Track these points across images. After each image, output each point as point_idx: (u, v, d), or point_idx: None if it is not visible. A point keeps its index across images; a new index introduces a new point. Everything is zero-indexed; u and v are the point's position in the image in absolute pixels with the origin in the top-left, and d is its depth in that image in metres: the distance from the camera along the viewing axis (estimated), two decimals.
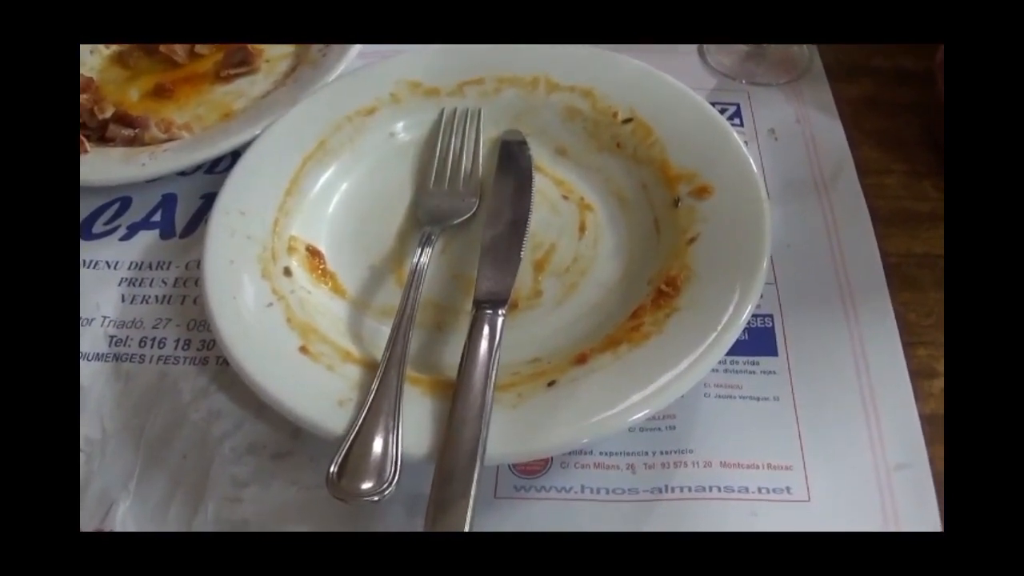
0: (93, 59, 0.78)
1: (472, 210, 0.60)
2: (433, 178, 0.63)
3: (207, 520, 0.49)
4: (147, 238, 0.64)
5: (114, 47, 0.79)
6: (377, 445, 0.44)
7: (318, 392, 0.48)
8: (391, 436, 0.45)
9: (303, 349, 0.51)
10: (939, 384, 0.52)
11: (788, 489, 0.48)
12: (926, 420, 0.50)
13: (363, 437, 0.45)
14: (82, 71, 0.75)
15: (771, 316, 0.56)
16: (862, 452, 0.49)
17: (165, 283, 0.61)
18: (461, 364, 0.48)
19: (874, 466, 0.48)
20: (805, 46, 0.74)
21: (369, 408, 0.46)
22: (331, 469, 0.44)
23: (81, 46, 0.77)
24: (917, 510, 0.47)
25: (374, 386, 0.47)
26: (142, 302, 0.60)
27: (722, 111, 0.67)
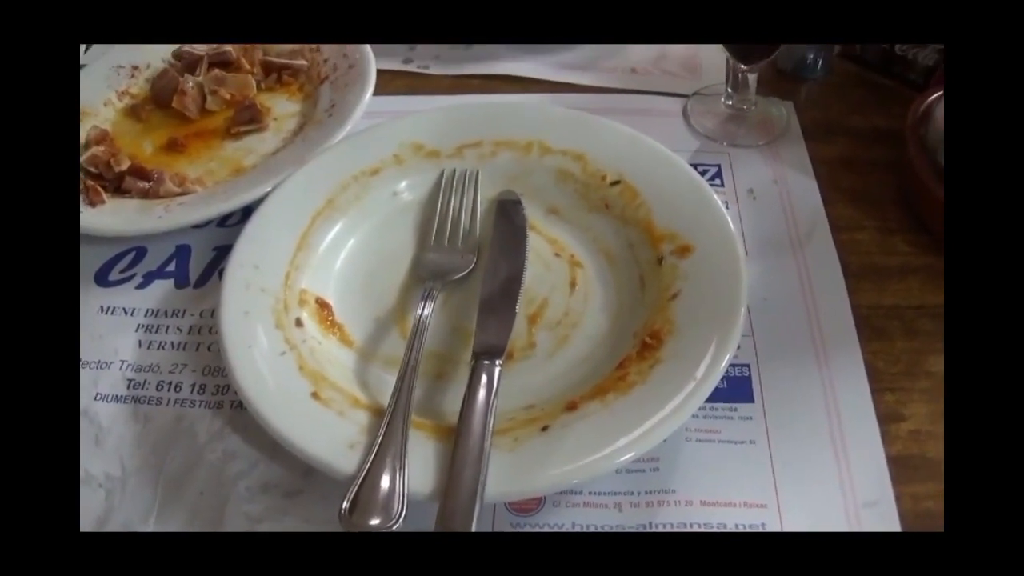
0: (107, 111, 0.80)
1: (470, 266, 0.62)
2: (434, 235, 0.65)
3: None
4: (162, 287, 0.66)
5: (127, 100, 0.81)
6: (385, 484, 0.47)
7: (330, 436, 0.51)
8: (398, 476, 0.47)
9: (315, 395, 0.53)
10: (905, 427, 0.54)
11: (763, 526, 0.50)
12: (892, 461, 0.53)
13: (372, 477, 0.47)
14: (96, 123, 0.77)
15: (748, 365, 0.58)
16: (832, 491, 0.52)
17: (180, 330, 0.63)
18: (462, 411, 0.50)
19: (843, 504, 0.51)
20: (783, 108, 0.76)
21: (377, 451, 0.48)
22: (343, 505, 0.46)
23: (95, 98, 0.79)
24: None
25: (381, 431, 0.49)
26: (159, 348, 0.62)
27: (704, 172, 0.70)
